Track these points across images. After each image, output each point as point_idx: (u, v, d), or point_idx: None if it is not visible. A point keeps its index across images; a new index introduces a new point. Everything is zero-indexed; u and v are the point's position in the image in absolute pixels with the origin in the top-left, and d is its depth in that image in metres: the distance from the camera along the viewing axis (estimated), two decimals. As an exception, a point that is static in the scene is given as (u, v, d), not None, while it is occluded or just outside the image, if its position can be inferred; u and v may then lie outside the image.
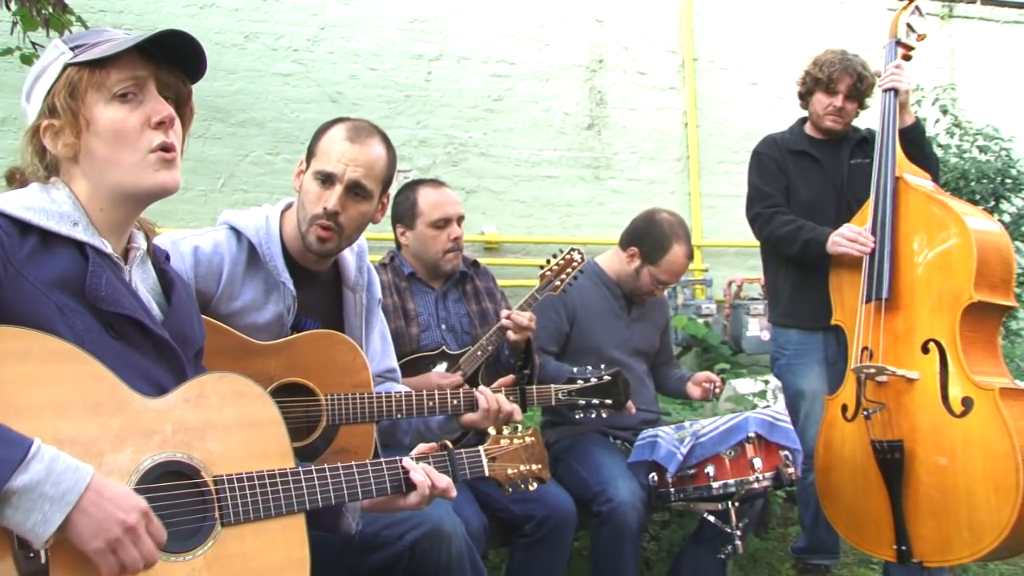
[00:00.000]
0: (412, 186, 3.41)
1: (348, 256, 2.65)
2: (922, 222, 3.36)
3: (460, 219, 3.35)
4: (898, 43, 3.69)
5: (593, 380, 2.97)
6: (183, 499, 1.61)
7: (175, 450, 1.63)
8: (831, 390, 3.69)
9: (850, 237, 3.46)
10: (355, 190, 2.46)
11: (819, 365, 3.84)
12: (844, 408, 3.45)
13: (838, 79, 3.83)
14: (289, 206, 2.61)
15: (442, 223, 3.28)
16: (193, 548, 1.61)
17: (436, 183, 3.41)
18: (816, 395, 3.76)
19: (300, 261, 2.54)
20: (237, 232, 2.49)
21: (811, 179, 3.90)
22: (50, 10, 4.59)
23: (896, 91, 3.58)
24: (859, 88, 3.87)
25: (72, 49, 1.70)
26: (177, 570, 1.58)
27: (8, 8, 4.60)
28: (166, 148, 1.72)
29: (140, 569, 1.49)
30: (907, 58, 3.70)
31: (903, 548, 3.16)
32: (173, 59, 1.74)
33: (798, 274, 3.87)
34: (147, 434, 1.60)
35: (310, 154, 2.53)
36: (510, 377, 2.92)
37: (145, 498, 1.52)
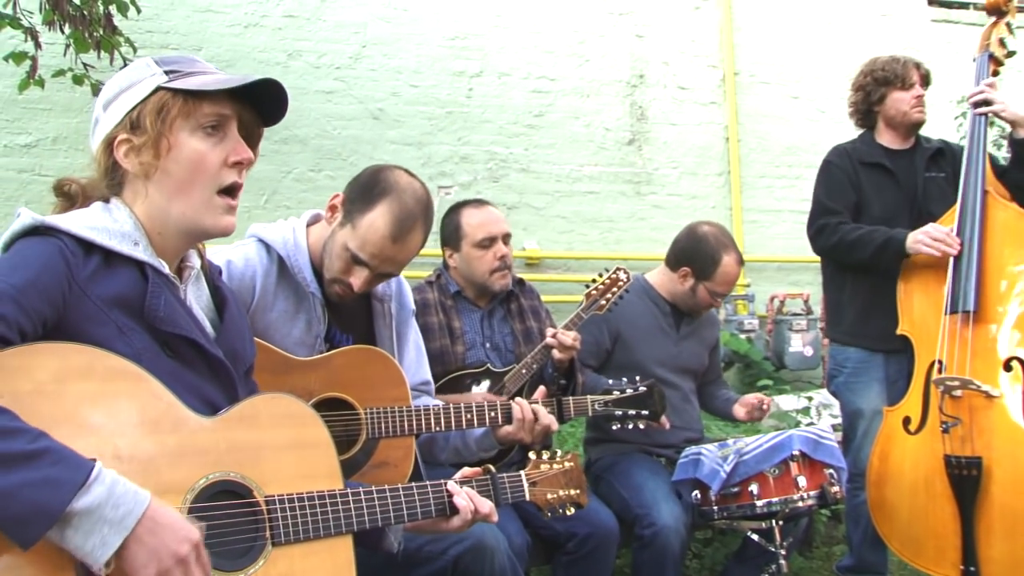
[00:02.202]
0: (456, 208, 3.41)
1: None
2: (1011, 237, 3.29)
3: (506, 237, 3.34)
4: (991, 57, 3.63)
5: (628, 391, 2.98)
6: (236, 518, 1.64)
7: (229, 469, 1.65)
8: None
9: (936, 236, 3.37)
10: (384, 276, 2.52)
11: (879, 384, 3.73)
12: (907, 421, 3.35)
13: (910, 71, 3.80)
14: (316, 219, 2.63)
15: (487, 243, 3.28)
16: (244, 567, 1.63)
17: (479, 202, 3.42)
18: (875, 414, 3.64)
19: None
20: (266, 245, 2.53)
21: (884, 193, 3.78)
22: (101, 32, 4.70)
23: (988, 104, 3.53)
24: (926, 76, 3.86)
25: (166, 72, 1.73)
26: (228, 589, 1.61)
27: (62, 31, 4.71)
28: (234, 190, 1.76)
29: None
30: (995, 73, 3.63)
31: (971, 569, 3.07)
32: (254, 100, 1.79)
33: (867, 291, 3.75)
34: (202, 453, 1.63)
35: (350, 211, 2.48)
36: (543, 389, 2.92)
37: (199, 516, 1.55)
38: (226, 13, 6.58)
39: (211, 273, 1.96)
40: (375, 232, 2.42)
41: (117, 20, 4.89)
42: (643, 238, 7.23)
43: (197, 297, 1.87)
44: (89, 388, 1.52)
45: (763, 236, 7.55)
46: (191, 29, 6.46)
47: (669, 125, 7.54)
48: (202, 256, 1.93)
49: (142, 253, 1.69)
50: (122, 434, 1.50)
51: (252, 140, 1.83)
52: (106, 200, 1.75)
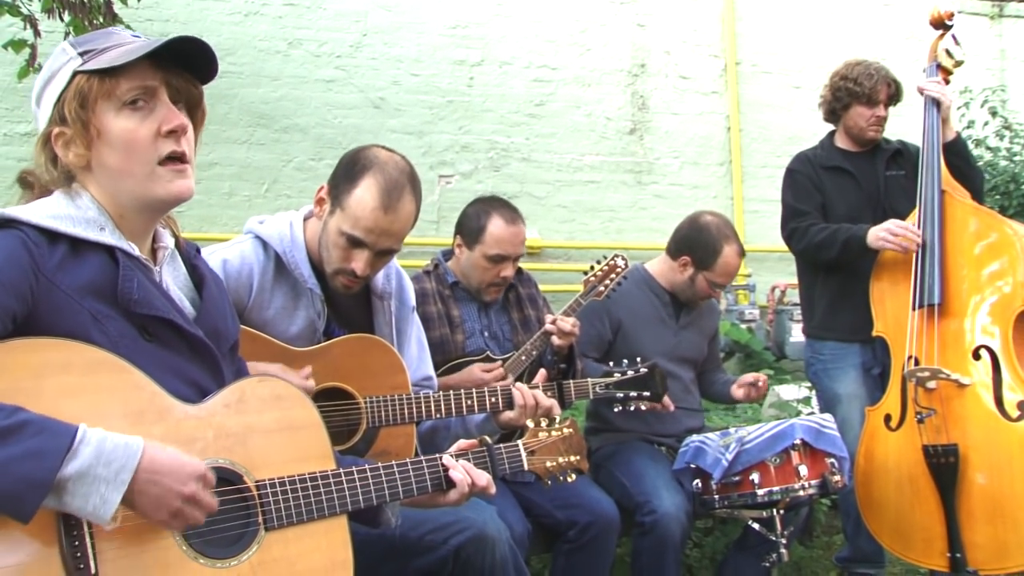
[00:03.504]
0: (487, 208, 3.26)
1: None
2: (969, 232, 3.39)
3: (517, 258, 3.28)
4: (939, 66, 3.76)
5: (630, 373, 2.97)
6: (227, 505, 1.63)
7: (217, 456, 1.64)
8: (868, 396, 3.69)
9: (895, 232, 3.47)
10: (384, 254, 2.46)
11: (855, 370, 3.81)
12: (888, 418, 3.43)
13: (879, 90, 3.85)
14: (312, 214, 2.60)
15: (498, 259, 3.20)
16: (238, 554, 1.63)
17: (514, 216, 3.26)
18: (852, 399, 3.75)
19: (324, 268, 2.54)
20: (263, 242, 2.50)
21: (847, 194, 3.89)
22: (101, 20, 4.67)
23: (939, 104, 3.64)
24: (896, 95, 3.92)
25: (81, 55, 1.67)
26: (222, 576, 1.60)
27: (61, 19, 4.68)
28: (177, 157, 1.69)
29: (202, 521, 1.54)
30: (947, 82, 3.75)
31: (957, 556, 3.13)
32: (183, 62, 1.71)
33: (835, 286, 3.85)
34: (189, 441, 1.61)
35: (336, 196, 2.44)
36: (544, 373, 2.91)
37: None
38: (226, 1, 6.53)
39: (187, 252, 1.92)
40: (364, 206, 2.38)
41: (117, 7, 4.85)
42: (644, 228, 7.21)
43: (174, 277, 1.84)
44: (69, 382, 1.50)
45: (764, 226, 7.52)
46: (191, 17, 6.43)
47: (670, 114, 7.51)
48: (176, 235, 1.89)
49: (109, 237, 1.66)
50: (106, 427, 1.47)
51: (192, 104, 1.76)
52: (66, 188, 1.70)
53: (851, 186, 3.90)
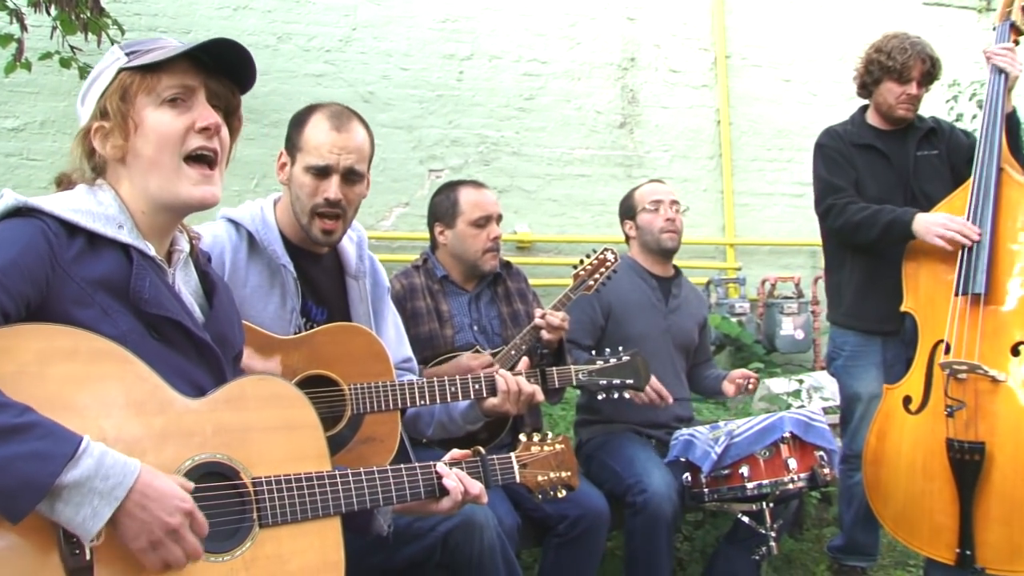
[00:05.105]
0: (452, 186, 3.44)
1: (348, 245, 2.68)
2: (1023, 217, 3.19)
3: (499, 219, 3.39)
4: (1012, 26, 3.53)
5: (612, 361, 2.99)
6: (222, 500, 1.64)
7: (215, 451, 1.65)
8: None
9: (955, 228, 3.25)
10: (350, 176, 2.51)
11: (876, 368, 3.71)
12: (907, 400, 3.29)
13: (911, 66, 3.67)
14: (281, 199, 2.66)
15: (483, 221, 3.31)
16: (231, 549, 1.64)
17: (476, 184, 3.45)
18: (872, 398, 3.61)
19: (299, 245, 2.59)
20: (235, 223, 2.55)
21: (878, 173, 3.73)
22: (88, 14, 4.65)
23: (1006, 74, 3.45)
24: (932, 73, 3.74)
25: (127, 55, 1.75)
26: (215, 570, 1.60)
27: (48, 13, 4.66)
28: (206, 155, 1.74)
29: (184, 565, 1.52)
30: (1016, 42, 3.53)
31: (967, 552, 3.04)
32: (224, 69, 1.78)
33: (864, 274, 3.72)
34: (188, 435, 1.63)
35: (292, 146, 2.55)
36: (527, 360, 2.92)
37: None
38: (215, -5, 6.53)
39: (199, 260, 1.96)
40: (318, 135, 2.50)
41: (104, 2, 4.83)
42: (634, 222, 7.20)
43: (186, 282, 1.87)
44: (74, 370, 1.52)
45: (754, 219, 7.54)
46: (179, 11, 6.41)
47: (660, 108, 7.52)
48: (192, 242, 1.92)
49: (126, 236, 1.69)
50: (107, 416, 1.49)
51: (229, 111, 1.84)
52: (91, 183, 1.75)
53: (882, 165, 3.74)
